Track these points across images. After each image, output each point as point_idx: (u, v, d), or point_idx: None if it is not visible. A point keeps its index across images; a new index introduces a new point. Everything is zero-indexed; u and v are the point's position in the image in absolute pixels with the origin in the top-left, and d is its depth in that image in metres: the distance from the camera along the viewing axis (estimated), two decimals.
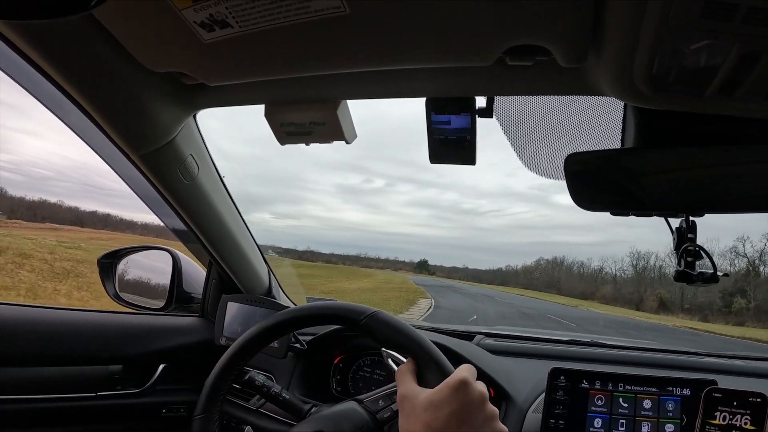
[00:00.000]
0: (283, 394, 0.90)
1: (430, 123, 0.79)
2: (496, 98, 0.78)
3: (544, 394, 0.99)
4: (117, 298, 1.32)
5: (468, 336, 1.29)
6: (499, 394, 1.07)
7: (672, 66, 0.52)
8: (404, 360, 0.69)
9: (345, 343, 1.27)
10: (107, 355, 1.13)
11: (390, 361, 0.73)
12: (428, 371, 0.65)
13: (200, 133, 1.01)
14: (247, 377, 0.90)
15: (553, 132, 0.83)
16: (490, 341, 1.27)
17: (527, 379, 1.09)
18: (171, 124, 0.89)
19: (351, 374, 1.28)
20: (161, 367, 1.21)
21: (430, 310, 16.27)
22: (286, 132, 0.88)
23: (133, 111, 0.83)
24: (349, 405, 0.79)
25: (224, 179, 1.08)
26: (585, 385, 0.98)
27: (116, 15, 0.65)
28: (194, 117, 0.97)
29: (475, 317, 14.35)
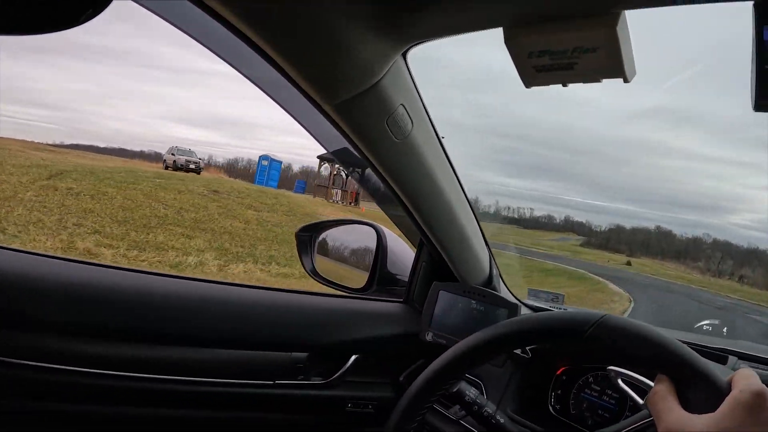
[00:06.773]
0: (497, 417, 0.83)
1: (761, 43, 0.48)
2: None
3: None
4: (314, 273, 1.26)
5: (718, 356, 0.96)
6: None
7: None
8: (643, 380, 0.58)
9: (573, 352, 1.04)
10: (293, 341, 1.03)
11: (621, 382, 0.60)
12: (695, 389, 0.51)
13: (413, 80, 0.78)
14: (456, 389, 0.84)
15: None
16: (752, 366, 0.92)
17: None
18: (375, 62, 0.68)
19: (574, 391, 1.05)
20: (353, 358, 1.08)
21: None
22: (536, 67, 0.61)
23: (327, 48, 0.64)
24: None
25: (443, 141, 0.88)
26: None
27: None
28: (404, 57, 0.75)
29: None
